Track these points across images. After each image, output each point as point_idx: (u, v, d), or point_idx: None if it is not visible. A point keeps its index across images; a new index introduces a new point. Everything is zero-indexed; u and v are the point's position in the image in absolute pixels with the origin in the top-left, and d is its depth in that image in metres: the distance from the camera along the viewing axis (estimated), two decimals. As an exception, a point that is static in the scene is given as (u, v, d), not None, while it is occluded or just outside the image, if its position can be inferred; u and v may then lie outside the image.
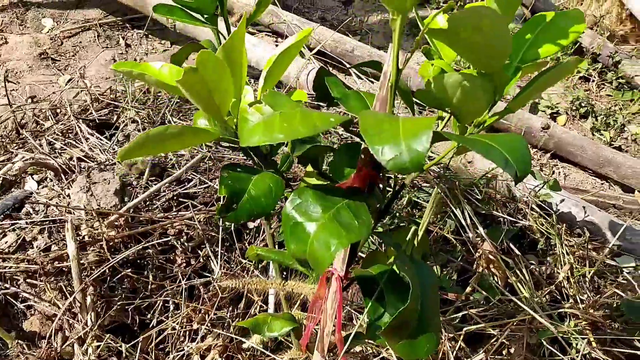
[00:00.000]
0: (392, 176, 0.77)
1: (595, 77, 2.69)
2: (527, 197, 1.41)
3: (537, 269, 1.21)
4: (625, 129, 2.38)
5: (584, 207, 1.46)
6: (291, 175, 1.40)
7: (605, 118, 2.38)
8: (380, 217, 0.74)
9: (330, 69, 2.25)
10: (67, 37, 2.60)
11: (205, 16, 0.75)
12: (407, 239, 0.70)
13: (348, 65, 2.16)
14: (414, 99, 0.65)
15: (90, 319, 1.04)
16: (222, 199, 0.72)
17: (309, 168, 0.85)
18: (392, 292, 0.71)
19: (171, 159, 1.43)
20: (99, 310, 1.06)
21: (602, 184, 2.04)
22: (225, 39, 0.82)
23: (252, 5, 2.34)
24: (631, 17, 2.69)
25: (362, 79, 2.06)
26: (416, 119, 0.49)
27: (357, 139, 0.70)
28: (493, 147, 0.61)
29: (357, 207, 0.63)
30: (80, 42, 2.58)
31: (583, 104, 2.45)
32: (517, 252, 1.29)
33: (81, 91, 1.81)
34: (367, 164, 0.67)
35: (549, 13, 0.67)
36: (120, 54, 2.49)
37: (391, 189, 0.73)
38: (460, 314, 1.09)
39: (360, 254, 1.26)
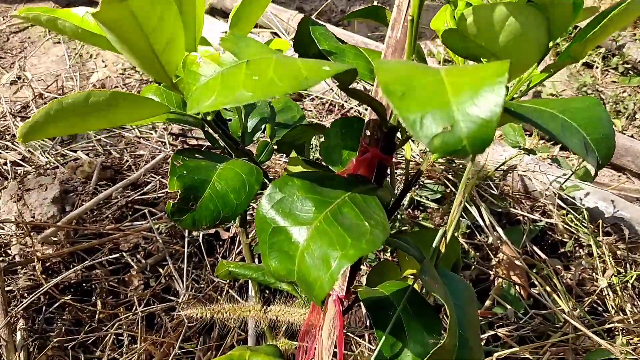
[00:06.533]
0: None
1: (599, 63, 2.57)
2: (549, 191, 1.24)
3: (574, 276, 1.04)
4: (637, 116, 2.25)
5: (612, 201, 1.30)
6: (271, 174, 1.22)
7: (615, 105, 2.26)
8: (389, 215, 0.57)
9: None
10: (14, 32, 2.40)
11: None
12: (434, 245, 0.52)
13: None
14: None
15: (20, 361, 0.84)
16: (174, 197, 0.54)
17: (293, 154, 0.67)
18: (414, 320, 0.53)
19: (127, 161, 1.24)
20: (31, 349, 0.87)
21: (619, 176, 1.90)
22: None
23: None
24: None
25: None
26: (469, 67, 0.32)
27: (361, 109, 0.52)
28: (569, 124, 0.44)
29: (365, 202, 0.45)
30: (29, 37, 2.38)
31: (590, 91, 2.32)
32: (543, 256, 1.13)
33: (22, 87, 1.61)
34: (374, 142, 0.50)
35: None
36: (74, 49, 2.28)
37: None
38: (485, 335, 0.92)
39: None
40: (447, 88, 0.29)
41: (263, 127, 0.79)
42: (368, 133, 0.49)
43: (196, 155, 0.58)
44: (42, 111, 0.44)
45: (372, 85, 0.52)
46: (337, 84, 0.40)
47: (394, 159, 1.41)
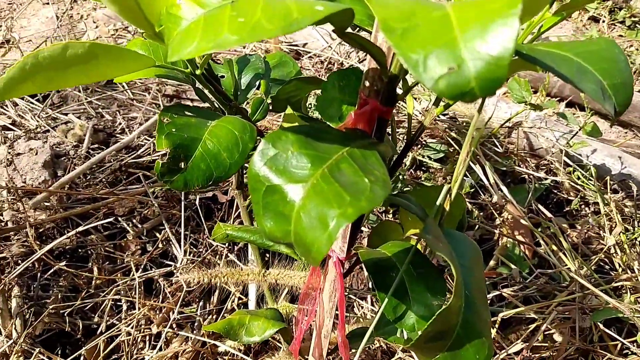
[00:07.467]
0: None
1: (605, 17, 2.50)
2: (555, 149, 1.21)
3: (580, 234, 1.01)
4: (645, 71, 2.20)
5: (619, 158, 1.27)
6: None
7: (622, 60, 2.20)
8: (391, 173, 0.54)
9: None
10: (1, -7, 2.33)
11: None
12: (438, 202, 0.50)
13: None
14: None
15: (16, 328, 0.83)
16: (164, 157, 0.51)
17: (289, 110, 0.64)
18: (417, 281, 0.51)
19: (120, 123, 1.20)
20: (27, 316, 0.86)
21: (625, 132, 1.86)
22: None
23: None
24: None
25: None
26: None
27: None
28: (584, 68, 0.41)
29: (365, 158, 0.42)
30: (17, -2, 2.31)
31: (596, 46, 2.26)
32: (549, 214, 1.10)
33: (10, 49, 1.57)
34: (373, 94, 0.47)
35: None
36: (65, 10, 2.22)
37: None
38: (490, 295, 0.90)
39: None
40: (454, 23, 0.26)
41: (257, 83, 0.75)
42: (367, 84, 0.46)
43: (186, 112, 0.55)
44: (17, 66, 0.42)
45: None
46: (335, 32, 0.37)
47: (396, 118, 1.37)
